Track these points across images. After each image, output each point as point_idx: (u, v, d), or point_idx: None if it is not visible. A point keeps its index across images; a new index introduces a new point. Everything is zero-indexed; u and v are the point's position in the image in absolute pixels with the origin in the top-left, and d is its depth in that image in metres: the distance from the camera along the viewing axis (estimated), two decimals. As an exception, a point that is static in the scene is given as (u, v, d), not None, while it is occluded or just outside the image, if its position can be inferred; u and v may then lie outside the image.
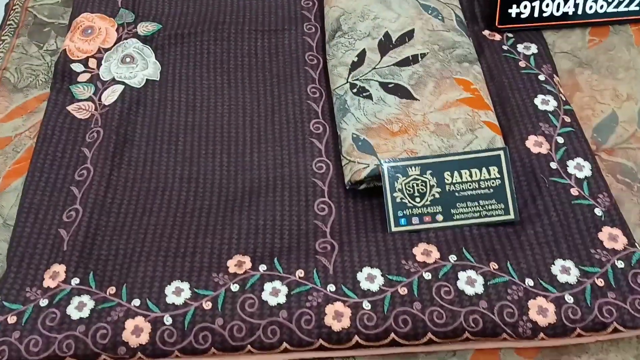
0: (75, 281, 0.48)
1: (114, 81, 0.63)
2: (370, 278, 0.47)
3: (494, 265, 0.47)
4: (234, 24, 0.68)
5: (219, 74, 0.64)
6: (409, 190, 0.51)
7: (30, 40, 0.69)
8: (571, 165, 0.53)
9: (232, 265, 0.49)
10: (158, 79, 0.63)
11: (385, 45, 0.60)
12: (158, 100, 0.62)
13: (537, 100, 0.58)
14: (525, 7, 0.65)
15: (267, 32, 0.67)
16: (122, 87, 0.62)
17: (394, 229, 0.50)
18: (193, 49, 0.66)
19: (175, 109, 0.61)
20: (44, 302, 0.47)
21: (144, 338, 0.45)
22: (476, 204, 0.50)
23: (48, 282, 0.49)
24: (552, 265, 0.47)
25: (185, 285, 0.48)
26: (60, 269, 0.49)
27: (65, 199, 0.54)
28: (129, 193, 0.55)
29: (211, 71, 0.64)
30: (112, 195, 0.55)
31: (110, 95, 0.62)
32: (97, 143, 0.58)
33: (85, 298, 0.47)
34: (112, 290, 0.48)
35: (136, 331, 0.45)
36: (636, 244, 0.48)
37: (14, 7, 0.72)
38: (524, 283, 0.46)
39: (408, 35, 0.60)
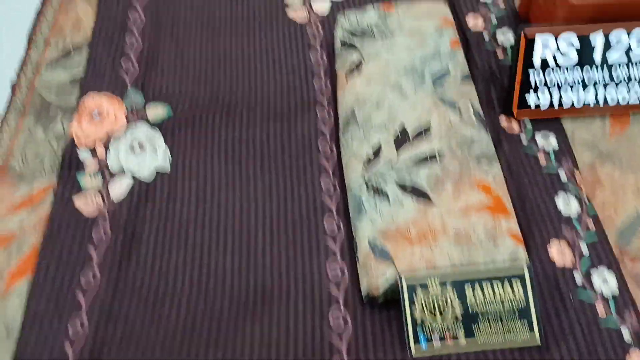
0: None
1: (122, 173, 0.61)
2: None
3: None
4: (245, 108, 0.66)
5: (231, 164, 0.62)
6: (429, 307, 0.49)
7: (36, 122, 0.67)
8: (596, 279, 0.51)
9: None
10: (169, 172, 0.62)
11: (402, 140, 0.58)
12: (168, 194, 0.60)
13: (559, 201, 0.57)
14: (544, 94, 0.63)
15: (279, 118, 0.66)
16: (132, 181, 0.60)
17: (414, 353, 0.48)
18: (204, 136, 0.64)
19: (185, 203, 0.59)
20: None
21: None
22: (499, 324, 0.48)
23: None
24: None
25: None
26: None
27: (71, 306, 0.52)
28: (136, 299, 0.53)
29: (222, 161, 0.62)
30: (119, 302, 0.53)
31: (118, 190, 0.60)
32: (105, 244, 0.56)
33: None
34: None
35: None
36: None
37: (20, 86, 0.70)
38: None
39: (425, 130, 0.59)
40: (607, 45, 0.61)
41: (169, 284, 0.54)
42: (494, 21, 0.73)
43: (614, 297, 0.50)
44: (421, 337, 0.48)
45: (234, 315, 0.52)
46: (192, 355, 0.50)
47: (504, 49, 0.71)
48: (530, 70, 0.62)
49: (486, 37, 0.72)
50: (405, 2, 0.71)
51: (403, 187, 0.55)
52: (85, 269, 0.55)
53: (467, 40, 0.71)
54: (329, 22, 0.76)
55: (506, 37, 0.71)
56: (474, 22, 0.73)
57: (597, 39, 0.61)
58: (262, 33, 0.74)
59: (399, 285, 0.49)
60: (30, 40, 0.75)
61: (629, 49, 0.61)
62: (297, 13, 0.77)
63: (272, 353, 0.49)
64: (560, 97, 0.63)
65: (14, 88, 0.70)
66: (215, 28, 0.75)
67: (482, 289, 0.49)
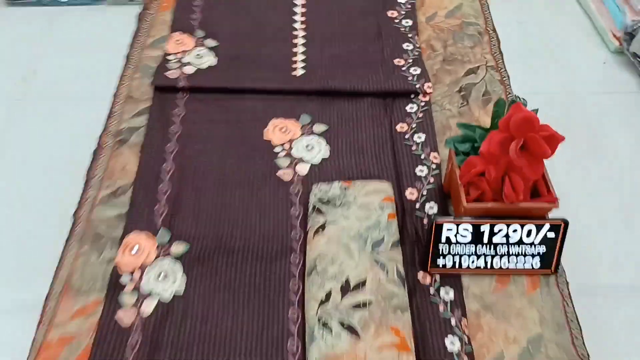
0: None
1: (150, 295, 0.88)
2: None
3: None
4: (241, 251, 0.94)
5: (227, 294, 0.89)
6: (349, 413, 0.75)
7: (91, 249, 0.94)
8: (461, 402, 0.78)
9: None
10: (182, 294, 0.89)
11: (345, 289, 0.86)
12: (182, 312, 0.86)
13: (447, 341, 0.84)
14: (449, 260, 0.91)
15: (264, 260, 0.93)
16: (156, 301, 0.87)
17: None
18: (211, 270, 0.91)
19: (193, 320, 0.86)
20: None
21: None
22: None
23: None
24: None
25: None
26: None
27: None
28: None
29: (221, 290, 0.89)
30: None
31: (147, 308, 0.87)
32: (137, 347, 0.83)
33: None
34: None
35: None
36: None
37: (79, 219, 0.97)
38: None
39: (362, 284, 0.86)
40: (492, 232, 0.89)
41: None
42: (425, 194, 1.02)
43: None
44: None
45: None
46: None
47: (429, 217, 0.99)
48: (440, 244, 0.90)
49: (417, 206, 1.00)
50: (361, 180, 1.00)
51: (342, 324, 0.82)
52: None
53: (404, 208, 0.99)
54: (307, 180, 1.04)
55: (432, 209, 1.00)
56: (410, 194, 1.01)
57: (485, 228, 0.89)
58: (257, 189, 1.02)
59: (330, 397, 0.76)
60: (88, 181, 1.03)
61: (507, 235, 0.90)
62: (284, 173, 1.05)
63: None
64: (460, 262, 0.91)
65: (75, 221, 0.97)
66: (223, 181, 1.03)
67: (384, 404, 0.75)
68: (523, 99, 0.93)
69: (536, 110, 0.87)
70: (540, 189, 0.90)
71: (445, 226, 0.89)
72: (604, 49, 2.32)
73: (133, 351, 0.82)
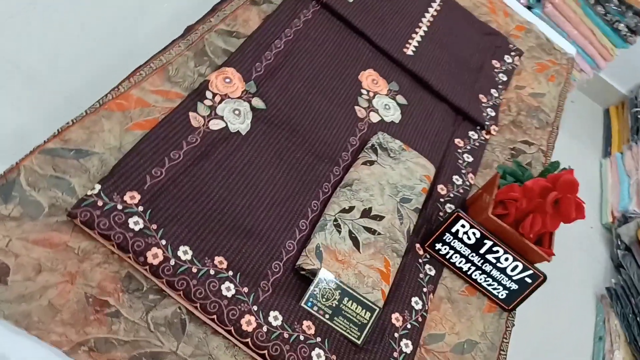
0: (140, 208, 0.82)
1: (221, 118, 0.99)
2: (275, 317, 0.83)
3: (333, 357, 0.83)
4: (301, 138, 1.06)
5: (274, 157, 1.01)
6: (323, 292, 0.88)
7: (193, 57, 1.05)
8: (402, 345, 0.91)
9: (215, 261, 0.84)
10: (243, 135, 1.00)
11: (365, 213, 0.99)
12: (234, 147, 0.98)
13: (413, 299, 0.97)
14: (445, 249, 1.05)
15: (314, 157, 1.05)
16: (224, 125, 0.99)
17: (302, 304, 0.86)
18: (271, 132, 1.03)
19: (239, 158, 0.97)
20: (119, 206, 0.80)
21: (155, 262, 0.78)
22: (348, 322, 0.87)
23: (127, 198, 0.82)
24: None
25: (190, 252, 0.82)
26: (137, 196, 0.83)
27: (160, 162, 0.89)
28: (191, 185, 0.90)
29: (271, 152, 1.01)
30: (182, 181, 0.89)
31: (214, 126, 0.98)
32: (192, 145, 0.93)
33: (141, 221, 0.81)
34: (154, 226, 0.82)
35: (155, 256, 0.79)
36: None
37: (195, 31, 1.08)
38: None
39: (380, 218, 0.99)
40: (490, 250, 1.04)
41: (208, 188, 0.91)
42: (451, 195, 1.17)
43: (405, 355, 0.90)
44: (310, 301, 0.87)
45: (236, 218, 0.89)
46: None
47: (445, 213, 1.13)
48: (447, 232, 1.05)
49: (441, 200, 1.15)
50: (416, 152, 1.14)
51: (350, 233, 0.95)
52: (175, 149, 0.91)
53: (431, 194, 1.14)
54: (373, 127, 1.18)
55: (450, 208, 1.14)
56: (441, 189, 1.16)
57: (488, 243, 1.04)
58: (337, 105, 1.15)
59: (317, 272, 0.88)
60: (214, 10, 1.14)
61: (499, 260, 1.05)
62: (360, 110, 1.19)
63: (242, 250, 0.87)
64: (452, 256, 1.06)
65: (187, 30, 1.08)
66: (314, 81, 1.16)
67: (351, 303, 0.88)
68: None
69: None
70: (544, 242, 1.06)
71: (462, 221, 1.03)
72: (597, 217, 2.56)
73: (187, 145, 0.93)
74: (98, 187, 0.81)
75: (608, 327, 1.97)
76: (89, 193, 0.80)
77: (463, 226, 1.04)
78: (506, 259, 1.05)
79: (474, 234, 1.04)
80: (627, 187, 2.62)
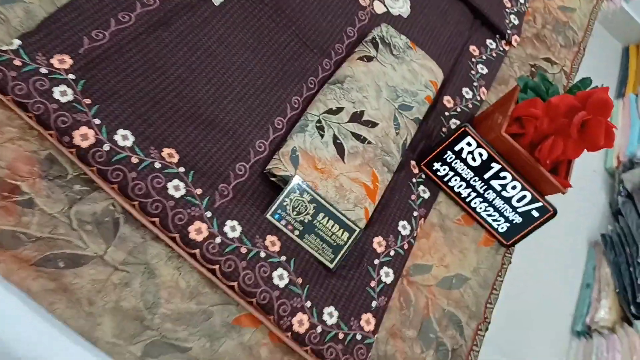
0: (71, 75, 0.64)
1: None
2: (232, 227, 0.68)
3: (299, 280, 0.69)
4: (289, 19, 0.87)
5: (256, 39, 0.82)
6: (295, 204, 0.72)
7: None
8: (382, 273, 0.77)
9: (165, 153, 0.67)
10: (216, 5, 0.81)
11: (356, 117, 0.82)
12: (201, 19, 0.79)
13: (401, 223, 0.82)
14: (444, 170, 0.90)
15: (302, 44, 0.87)
16: (193, -10, 0.79)
17: (267, 216, 0.71)
18: (254, 11, 0.84)
19: (208, 33, 0.79)
20: (44, 70, 0.63)
21: (84, 144, 0.62)
22: (321, 242, 0.72)
23: (55, 61, 0.64)
24: (325, 307, 0.70)
25: (131, 137, 0.65)
26: (68, 60, 0.65)
27: (103, 23, 0.70)
28: (142, 57, 0.72)
29: (250, 32, 0.83)
30: (131, 50, 0.71)
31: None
32: (147, 9, 0.74)
33: (70, 92, 0.63)
34: (87, 101, 0.64)
35: (84, 137, 0.62)
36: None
37: None
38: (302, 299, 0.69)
39: (372, 124, 0.83)
40: (497, 175, 0.89)
41: (164, 64, 0.73)
42: (458, 110, 1.00)
43: (384, 286, 0.76)
44: (278, 213, 0.71)
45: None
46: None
47: (448, 129, 0.97)
48: (448, 151, 0.88)
49: (446, 114, 0.98)
50: (424, 52, 0.96)
51: (335, 139, 0.79)
52: (126, 10, 0.72)
53: (435, 105, 0.97)
54: (376, 19, 0.98)
55: (455, 125, 0.98)
56: (447, 101, 0.99)
57: (495, 167, 0.88)
58: None
59: (290, 180, 0.72)
60: None
61: (505, 188, 0.90)
62: (362, -3, 0.99)
63: (201, 146, 0.70)
64: (450, 178, 0.90)
65: None
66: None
67: (327, 220, 0.73)
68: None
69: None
70: (560, 171, 0.90)
71: (468, 138, 0.87)
72: (601, 160, 2.41)
73: (141, 6, 0.74)
74: (17, 42, 0.63)
75: (598, 274, 1.87)
76: (3, 48, 0.62)
77: (469, 144, 0.88)
78: (513, 187, 0.89)
79: (480, 154, 0.88)
80: (638, 131, 2.47)
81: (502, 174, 0.89)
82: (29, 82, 0.61)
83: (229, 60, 0.79)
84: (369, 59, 0.89)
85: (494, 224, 0.93)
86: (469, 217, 0.93)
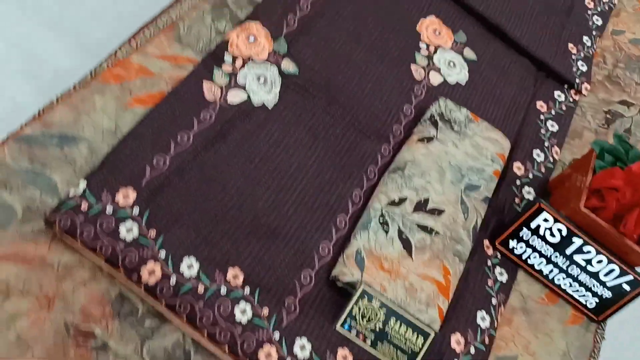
0: (135, 210, 0.66)
1: (243, 88, 0.80)
2: (302, 346, 0.66)
3: None
4: (342, 108, 0.86)
5: (308, 136, 0.82)
6: (364, 311, 0.70)
7: (210, 11, 0.85)
8: (463, 373, 0.73)
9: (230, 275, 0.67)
10: (270, 108, 0.81)
11: (420, 206, 0.79)
12: (259, 124, 0.79)
13: (479, 314, 0.78)
14: (521, 248, 0.85)
15: (358, 131, 0.85)
16: (245, 97, 0.80)
17: (338, 328, 0.69)
18: (305, 104, 0.84)
19: (264, 137, 0.79)
20: (109, 209, 0.65)
21: (152, 280, 0.63)
22: (395, 350, 0.70)
23: (120, 197, 0.66)
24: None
25: (196, 264, 0.66)
26: (132, 194, 0.67)
27: (162, 147, 0.72)
28: (202, 176, 0.73)
29: (305, 129, 0.82)
30: (191, 171, 0.72)
31: (233, 98, 0.79)
32: (205, 124, 0.76)
33: (135, 227, 0.65)
34: (152, 232, 0.66)
35: (151, 273, 0.63)
36: None
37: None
38: None
39: (438, 212, 0.80)
40: (580, 249, 0.83)
41: (223, 178, 0.74)
42: (530, 177, 0.94)
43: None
44: (347, 323, 0.70)
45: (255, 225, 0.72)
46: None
47: (522, 199, 0.92)
48: (525, 227, 0.83)
49: (517, 183, 0.93)
50: (487, 122, 0.92)
51: (400, 233, 0.76)
52: (184, 130, 0.74)
53: (505, 175, 0.92)
54: (433, 91, 0.95)
55: (529, 194, 0.92)
56: (518, 168, 0.94)
57: (577, 242, 0.82)
58: (388, 65, 0.94)
59: (358, 286, 0.70)
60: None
61: (590, 262, 0.83)
62: (417, 69, 0.96)
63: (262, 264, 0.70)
64: (529, 256, 0.85)
65: (209, -25, 0.88)
66: (360, 34, 0.94)
67: (399, 325, 0.70)
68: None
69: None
70: (652, 242, 0.83)
71: (545, 214, 0.82)
72: None
73: (199, 125, 0.75)
74: (83, 183, 0.65)
75: None
76: (71, 193, 0.64)
77: (546, 220, 0.82)
78: (599, 262, 0.83)
79: (559, 230, 0.82)
80: None
81: (585, 249, 0.83)
82: (96, 225, 0.63)
83: (286, 162, 0.79)
84: (429, 139, 0.86)
85: (582, 300, 0.86)
86: (553, 295, 0.87)
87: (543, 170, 0.96)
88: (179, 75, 0.78)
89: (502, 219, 0.88)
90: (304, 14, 0.91)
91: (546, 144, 0.99)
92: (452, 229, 0.79)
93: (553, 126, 1.02)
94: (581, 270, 0.84)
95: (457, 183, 0.83)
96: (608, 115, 1.11)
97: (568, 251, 0.83)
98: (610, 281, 0.84)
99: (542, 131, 1.00)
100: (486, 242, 0.86)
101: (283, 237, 0.73)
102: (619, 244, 0.81)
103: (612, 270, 0.83)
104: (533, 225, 0.83)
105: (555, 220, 0.82)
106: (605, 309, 0.86)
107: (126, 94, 0.74)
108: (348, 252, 0.74)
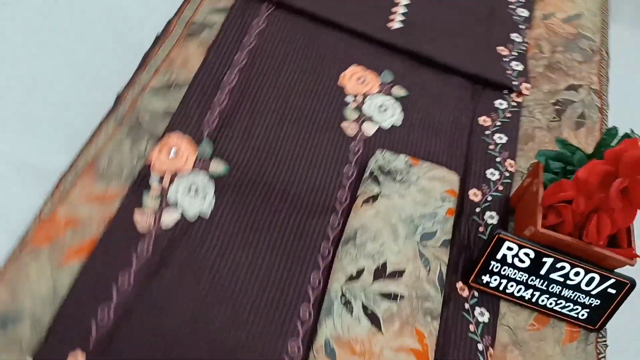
0: (88, 373, 0.65)
1: (175, 206, 0.80)
2: None
3: None
4: (281, 193, 0.85)
5: (253, 233, 0.81)
6: (345, 404, 0.68)
7: (127, 135, 0.85)
8: None
9: None
10: (207, 217, 0.81)
11: (380, 273, 0.78)
12: (200, 237, 0.79)
13: (468, 364, 0.76)
14: (496, 280, 0.82)
15: (301, 212, 0.84)
16: (179, 215, 0.79)
17: None
18: (244, 201, 0.83)
19: (210, 249, 0.78)
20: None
21: None
22: None
23: (71, 364, 0.66)
24: None
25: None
26: (82, 357, 0.66)
27: (105, 297, 0.71)
28: (150, 312, 0.72)
29: (248, 226, 0.81)
30: (138, 310, 0.72)
31: (167, 220, 0.79)
32: (144, 258, 0.75)
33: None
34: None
35: None
36: None
37: (124, 100, 0.88)
38: None
39: (399, 274, 0.78)
40: (553, 267, 0.80)
41: (172, 308, 0.73)
42: (489, 200, 0.92)
43: None
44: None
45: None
46: None
47: (486, 225, 0.90)
48: (492, 260, 0.81)
49: (477, 210, 0.91)
50: (429, 162, 0.90)
51: (365, 309, 0.75)
52: (124, 271, 0.73)
53: (463, 208, 0.90)
54: (371, 142, 0.94)
55: (492, 218, 0.90)
56: (474, 195, 0.92)
57: (548, 261, 0.80)
58: (318, 132, 0.93)
59: (332, 381, 0.69)
60: (144, 63, 0.93)
61: (568, 277, 0.81)
62: (349, 126, 0.95)
63: None
64: (506, 286, 0.83)
65: (118, 100, 0.88)
66: (284, 112, 0.94)
67: (385, 408, 0.68)
68: (638, 135, 0.82)
69: (650, 154, 0.77)
70: (620, 240, 0.80)
71: (507, 243, 0.80)
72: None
73: (138, 260, 0.75)
74: (31, 362, 0.65)
75: None
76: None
77: (510, 249, 0.80)
78: (577, 274, 0.80)
79: (526, 254, 0.80)
80: None
81: (558, 265, 0.80)
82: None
83: (235, 270, 0.78)
84: (374, 198, 0.84)
85: (573, 314, 0.84)
86: (542, 317, 0.84)
87: (501, 188, 0.94)
88: (109, 213, 0.78)
89: (471, 254, 0.86)
90: (223, 106, 0.91)
91: (498, 159, 0.97)
92: (416, 287, 0.77)
93: (501, 138, 1.00)
94: (562, 287, 0.82)
95: (411, 236, 0.81)
96: (557, 106, 1.09)
97: (542, 272, 0.81)
98: (594, 289, 0.81)
99: (491, 147, 0.98)
100: (459, 284, 0.84)
101: (247, 350, 0.72)
102: (590, 253, 0.79)
103: (592, 279, 0.81)
104: (499, 256, 0.81)
105: (520, 246, 0.80)
106: (599, 316, 0.83)
107: (58, 252, 0.74)
108: (317, 346, 0.72)
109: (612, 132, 0.82)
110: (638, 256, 0.78)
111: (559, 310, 0.84)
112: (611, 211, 0.75)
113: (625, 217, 0.76)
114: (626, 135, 0.80)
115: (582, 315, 0.83)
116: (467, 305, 0.82)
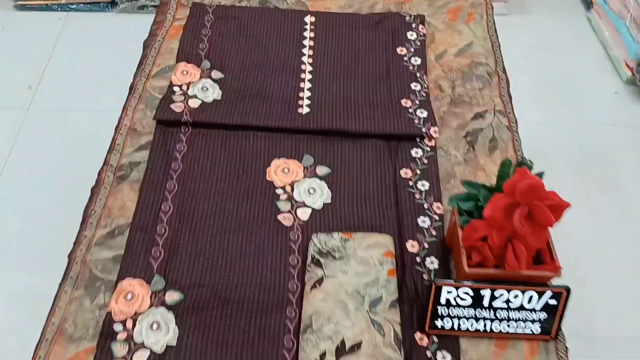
0: None
1: (143, 346, 0.87)
2: None
3: None
4: (236, 302, 0.92)
5: (220, 348, 0.87)
6: None
7: (85, 293, 0.93)
8: None
9: None
10: (174, 346, 0.87)
11: (340, 351, 0.84)
12: (172, 365, 0.85)
13: (442, 411, 0.82)
14: (448, 322, 0.89)
15: (259, 313, 0.91)
16: (148, 353, 0.86)
17: None
18: (204, 322, 0.89)
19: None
20: None
21: None
22: None
23: None
24: None
25: None
26: None
27: None
28: None
29: (214, 344, 0.87)
30: None
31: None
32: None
33: None
34: None
35: None
36: None
37: (75, 260, 0.96)
38: None
39: (357, 346, 0.84)
40: (493, 297, 0.87)
41: None
42: (426, 247, 1.00)
43: None
44: None
45: None
46: None
47: (429, 272, 0.97)
48: (439, 306, 0.88)
49: (418, 260, 0.98)
50: (362, 232, 0.98)
51: (335, 389, 0.81)
52: None
53: (404, 262, 0.97)
54: (308, 226, 1.02)
55: (432, 264, 0.98)
56: (412, 246, 0.99)
57: (486, 293, 0.87)
58: (259, 231, 1.01)
59: None
60: (85, 220, 1.01)
61: (509, 301, 0.88)
62: (285, 217, 1.03)
63: None
64: (459, 324, 0.89)
65: (69, 262, 0.96)
66: (222, 225, 1.01)
67: None
68: (530, 161, 0.90)
69: (541, 174, 0.85)
70: (544, 256, 0.88)
71: (445, 289, 0.87)
72: (616, 78, 2.31)
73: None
74: None
75: None
76: None
77: (450, 292, 0.88)
78: (516, 297, 0.88)
79: (466, 293, 0.87)
80: (626, 30, 2.34)
81: (497, 294, 0.87)
82: None
83: None
84: (320, 282, 0.91)
85: (527, 331, 0.90)
86: (501, 341, 0.91)
87: (434, 232, 1.02)
88: (84, 374, 0.84)
89: (422, 303, 0.93)
90: (165, 236, 0.98)
91: (425, 206, 1.05)
92: (376, 354, 0.84)
93: (424, 185, 1.08)
94: (508, 310, 0.89)
95: (360, 307, 0.88)
96: (469, 138, 1.18)
97: (485, 303, 0.88)
98: (537, 304, 0.88)
99: (417, 196, 1.06)
100: (418, 334, 0.90)
101: None
102: (519, 277, 0.86)
103: (531, 297, 0.88)
104: (443, 301, 0.88)
105: (457, 287, 0.87)
106: (551, 325, 0.90)
107: None
108: None
109: (506, 164, 0.90)
110: (561, 267, 0.86)
111: (514, 331, 0.90)
112: (523, 237, 0.83)
113: (537, 239, 0.84)
114: (519, 164, 0.88)
115: (536, 329, 0.90)
116: (429, 354, 0.88)
